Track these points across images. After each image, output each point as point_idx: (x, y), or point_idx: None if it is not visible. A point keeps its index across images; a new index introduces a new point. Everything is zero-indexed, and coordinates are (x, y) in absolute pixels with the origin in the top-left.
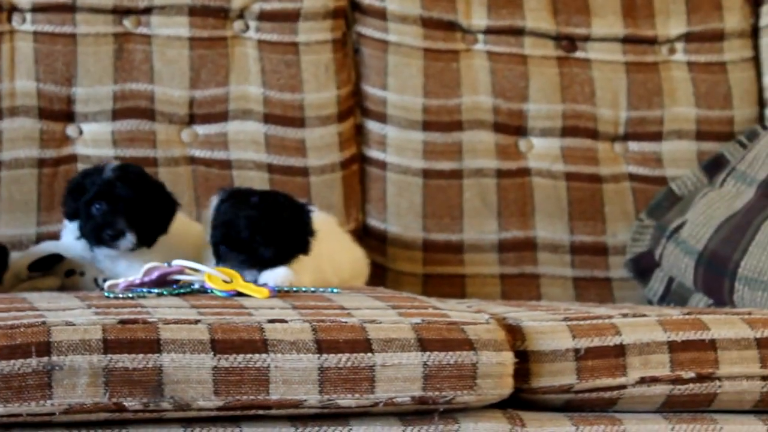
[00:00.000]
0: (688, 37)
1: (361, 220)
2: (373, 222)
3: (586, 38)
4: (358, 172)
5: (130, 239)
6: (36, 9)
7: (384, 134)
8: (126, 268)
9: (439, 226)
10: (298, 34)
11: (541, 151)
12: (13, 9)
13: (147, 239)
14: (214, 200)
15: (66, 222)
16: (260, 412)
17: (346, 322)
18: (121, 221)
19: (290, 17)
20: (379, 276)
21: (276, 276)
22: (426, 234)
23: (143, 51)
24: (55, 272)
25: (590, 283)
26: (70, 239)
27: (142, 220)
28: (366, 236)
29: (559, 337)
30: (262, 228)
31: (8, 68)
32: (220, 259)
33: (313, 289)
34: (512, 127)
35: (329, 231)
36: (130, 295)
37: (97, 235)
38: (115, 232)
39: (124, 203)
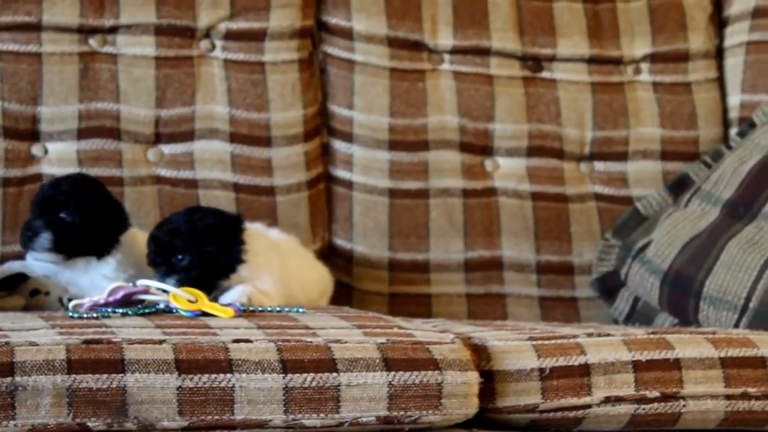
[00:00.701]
0: (653, 58)
1: (327, 239)
2: (340, 241)
3: (552, 58)
4: (325, 191)
5: (45, 237)
6: (1, 28)
7: (350, 153)
8: (87, 282)
9: (405, 246)
10: (264, 54)
11: (508, 170)
12: None
13: (67, 243)
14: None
15: None
16: None
17: (311, 342)
18: (38, 221)
19: (257, 37)
20: (345, 295)
21: (233, 293)
22: (392, 253)
23: (109, 70)
24: (20, 292)
25: (556, 302)
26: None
27: (61, 222)
28: (332, 255)
29: (524, 357)
30: (180, 235)
31: None
32: (150, 264)
33: (278, 308)
34: (478, 146)
35: (293, 250)
36: (95, 314)
37: (21, 238)
38: (31, 233)
39: (48, 206)
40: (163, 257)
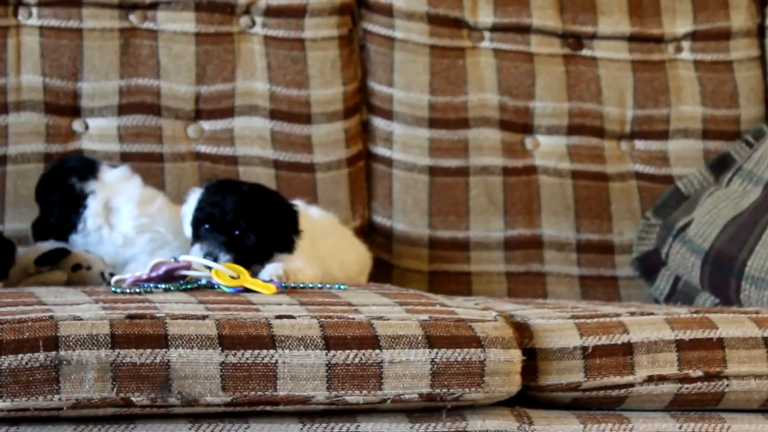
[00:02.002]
0: (694, 36)
1: (367, 217)
2: (379, 219)
3: (593, 36)
4: (364, 168)
5: (225, 260)
6: (42, 3)
7: (390, 131)
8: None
9: (445, 224)
10: (304, 30)
11: (548, 149)
12: (20, 3)
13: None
14: (196, 191)
15: None
16: (268, 408)
17: (353, 319)
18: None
19: (296, 13)
20: (385, 273)
21: (267, 269)
22: (432, 231)
23: (149, 46)
24: (62, 267)
25: (596, 281)
26: None
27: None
28: (372, 233)
29: (566, 335)
30: (248, 214)
31: (14, 63)
32: (199, 239)
33: (320, 285)
34: (518, 124)
35: (332, 228)
36: (138, 290)
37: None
38: (211, 257)
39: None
40: (223, 232)
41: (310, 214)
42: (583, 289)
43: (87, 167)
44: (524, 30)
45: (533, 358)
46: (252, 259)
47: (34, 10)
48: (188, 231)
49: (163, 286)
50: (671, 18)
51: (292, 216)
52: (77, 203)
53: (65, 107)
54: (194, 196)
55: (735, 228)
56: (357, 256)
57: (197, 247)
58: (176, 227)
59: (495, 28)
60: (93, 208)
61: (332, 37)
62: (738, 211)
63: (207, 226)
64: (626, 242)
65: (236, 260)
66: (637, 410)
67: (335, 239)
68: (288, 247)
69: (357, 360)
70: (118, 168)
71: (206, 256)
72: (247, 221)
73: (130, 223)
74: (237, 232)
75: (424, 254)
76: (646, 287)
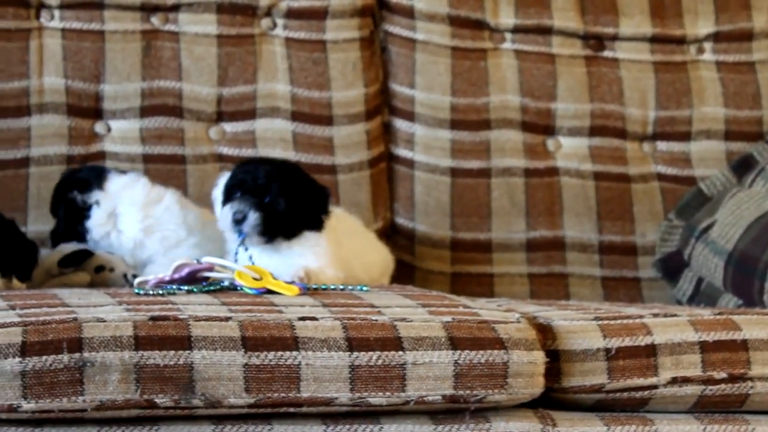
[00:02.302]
0: (716, 37)
1: (389, 218)
2: (401, 220)
3: (614, 37)
4: (386, 170)
5: (254, 217)
6: (64, 6)
7: (412, 132)
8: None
9: (467, 225)
10: (325, 32)
11: (569, 150)
12: (42, 6)
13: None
14: (225, 174)
15: None
16: (291, 409)
17: (376, 320)
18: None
19: (318, 15)
20: (407, 275)
21: (289, 271)
22: (454, 233)
23: (171, 48)
24: (85, 268)
25: (619, 282)
26: None
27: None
28: (394, 235)
29: (590, 337)
30: (280, 182)
31: (37, 65)
32: (229, 200)
33: (342, 286)
34: (540, 126)
35: (356, 230)
36: (161, 291)
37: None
38: (241, 215)
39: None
40: (254, 194)
41: (336, 214)
42: (606, 291)
43: (93, 178)
44: (546, 31)
45: (556, 359)
46: (281, 227)
47: (57, 13)
48: (219, 211)
49: (185, 287)
50: (693, 19)
51: (323, 195)
52: (80, 215)
53: (87, 109)
54: (223, 178)
55: (758, 229)
56: (380, 257)
57: (227, 207)
58: (190, 224)
59: (516, 30)
60: (96, 218)
61: (353, 38)
62: (761, 212)
63: (238, 192)
64: (649, 243)
65: (265, 222)
66: (660, 412)
67: (359, 241)
68: (317, 225)
69: (380, 362)
70: (126, 174)
71: (235, 213)
72: (279, 187)
73: (137, 227)
74: (268, 198)
75: (446, 256)
76: (668, 288)
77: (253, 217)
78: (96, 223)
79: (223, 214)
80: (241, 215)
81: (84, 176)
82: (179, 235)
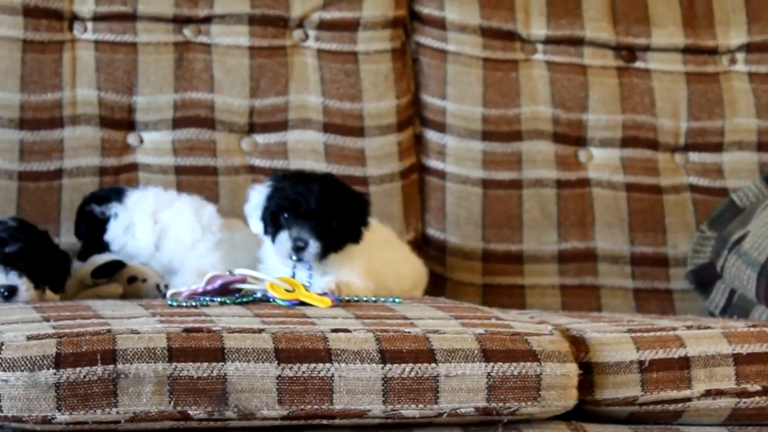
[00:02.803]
0: (748, 48)
1: (421, 229)
2: (432, 232)
3: (646, 48)
4: (418, 181)
5: (315, 246)
6: (97, 18)
7: (443, 144)
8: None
9: (499, 236)
10: (357, 44)
11: (601, 161)
12: (75, 18)
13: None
14: (256, 188)
15: None
16: (324, 421)
17: (409, 332)
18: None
19: (350, 26)
20: (439, 286)
21: (320, 283)
22: (485, 244)
23: (203, 60)
24: (118, 279)
25: (651, 294)
26: None
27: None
28: (425, 246)
29: (623, 349)
30: (331, 203)
31: (70, 77)
32: (284, 227)
33: (374, 298)
34: (572, 137)
35: (389, 240)
36: (194, 303)
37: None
38: (302, 242)
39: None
40: (312, 219)
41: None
42: (638, 302)
43: (112, 193)
44: (577, 42)
45: (589, 372)
46: (334, 248)
47: (90, 25)
48: (257, 226)
49: (218, 299)
50: (725, 30)
51: (363, 206)
52: (100, 227)
53: (120, 121)
54: (258, 192)
55: None
56: (412, 269)
57: (284, 234)
58: (205, 224)
59: (548, 41)
60: (114, 229)
61: (385, 50)
62: None
63: (286, 214)
64: (681, 255)
65: (324, 248)
66: (694, 425)
67: (392, 252)
68: (357, 238)
69: (413, 374)
70: (146, 189)
71: (296, 241)
72: (331, 209)
73: (149, 233)
74: (320, 220)
75: (478, 267)
76: (700, 300)
77: (314, 246)
78: (114, 235)
79: (281, 238)
80: (302, 243)
81: (104, 193)
82: (194, 236)
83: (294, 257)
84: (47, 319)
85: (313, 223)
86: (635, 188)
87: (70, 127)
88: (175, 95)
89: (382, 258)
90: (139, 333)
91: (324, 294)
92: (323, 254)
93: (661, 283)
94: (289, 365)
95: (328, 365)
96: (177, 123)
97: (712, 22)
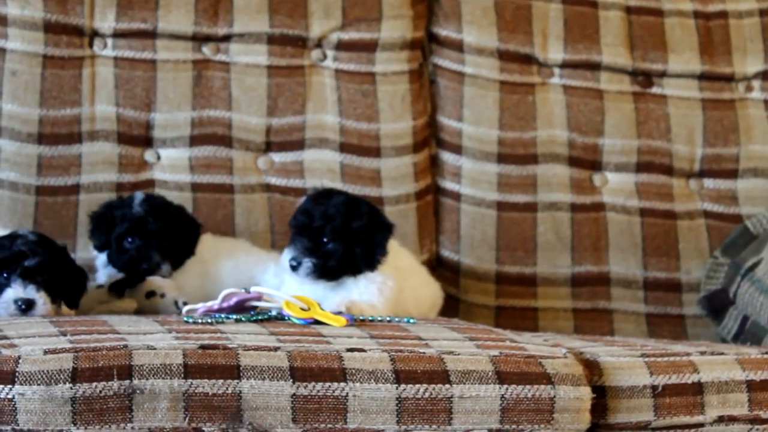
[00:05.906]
0: (765, 75)
1: (435, 251)
2: (447, 253)
3: (663, 74)
4: (433, 202)
5: (165, 269)
6: (117, 35)
7: (459, 165)
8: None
9: (513, 259)
10: (375, 65)
11: (616, 186)
12: (95, 35)
13: (177, 264)
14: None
15: (96, 252)
16: None
17: (424, 353)
18: (155, 255)
19: (368, 47)
20: (452, 307)
21: (332, 302)
22: (499, 266)
23: (222, 78)
24: (135, 294)
25: (663, 319)
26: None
27: (173, 249)
28: (439, 267)
29: (636, 373)
30: (334, 223)
31: (89, 93)
32: (289, 245)
33: (389, 318)
34: (587, 161)
35: (410, 264)
36: (209, 320)
37: (133, 268)
38: (150, 266)
39: (157, 237)
40: (310, 238)
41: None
42: (650, 327)
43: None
44: (594, 67)
45: (603, 395)
46: (337, 268)
47: (109, 41)
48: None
49: (234, 316)
50: (742, 57)
51: (382, 234)
52: (111, 222)
53: (138, 137)
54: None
55: None
56: (430, 292)
57: (286, 251)
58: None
59: (565, 65)
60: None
61: (403, 71)
62: None
63: (296, 232)
64: (694, 281)
65: (320, 266)
66: None
67: (411, 275)
68: (370, 265)
69: (427, 394)
70: None
71: (291, 260)
72: (332, 229)
73: None
74: (324, 239)
75: (491, 289)
76: (713, 326)
77: (306, 266)
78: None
79: (283, 257)
80: (295, 262)
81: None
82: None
83: (291, 273)
84: (64, 334)
85: (310, 243)
86: (649, 213)
87: (88, 142)
88: (193, 113)
89: (401, 283)
90: (155, 349)
91: (339, 313)
92: (321, 275)
93: (673, 309)
94: (304, 384)
95: (342, 384)
96: (194, 140)
97: (728, 49)
